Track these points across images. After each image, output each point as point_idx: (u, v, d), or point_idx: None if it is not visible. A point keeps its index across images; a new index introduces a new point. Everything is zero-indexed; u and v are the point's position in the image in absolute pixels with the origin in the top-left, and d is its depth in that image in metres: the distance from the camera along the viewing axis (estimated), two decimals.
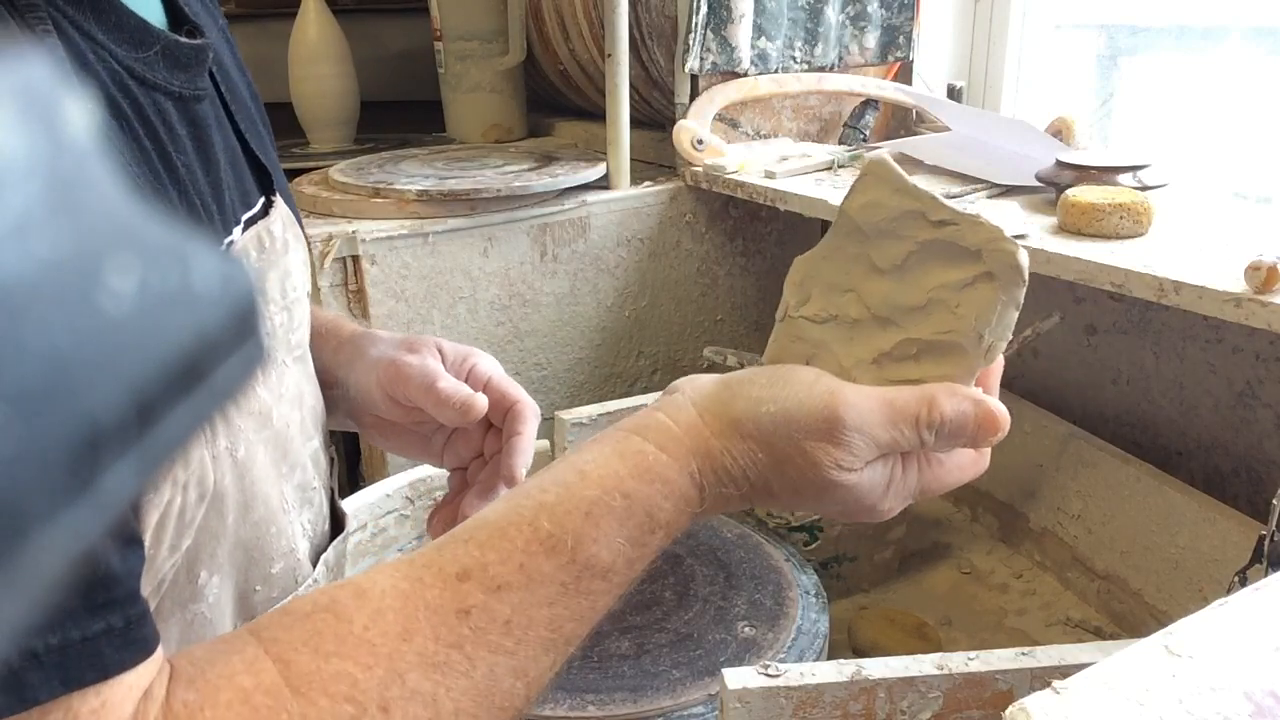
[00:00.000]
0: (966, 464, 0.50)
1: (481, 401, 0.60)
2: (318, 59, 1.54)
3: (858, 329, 0.49)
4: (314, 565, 0.56)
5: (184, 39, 0.49)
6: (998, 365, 0.50)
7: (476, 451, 0.66)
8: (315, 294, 1.10)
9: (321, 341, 0.66)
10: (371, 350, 0.64)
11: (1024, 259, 0.46)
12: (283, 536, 0.53)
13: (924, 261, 0.47)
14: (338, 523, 0.63)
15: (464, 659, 0.38)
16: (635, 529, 0.42)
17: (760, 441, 0.44)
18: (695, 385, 0.49)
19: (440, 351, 0.64)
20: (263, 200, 0.56)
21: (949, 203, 0.48)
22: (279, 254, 0.55)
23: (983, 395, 0.47)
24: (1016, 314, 0.47)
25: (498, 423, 0.64)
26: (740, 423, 0.45)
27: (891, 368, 0.49)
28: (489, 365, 0.65)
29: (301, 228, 0.61)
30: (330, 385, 0.65)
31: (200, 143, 0.49)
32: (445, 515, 0.65)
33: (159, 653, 0.37)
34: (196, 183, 0.48)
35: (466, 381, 0.62)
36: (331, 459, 0.65)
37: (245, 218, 0.53)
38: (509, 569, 0.40)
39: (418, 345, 0.63)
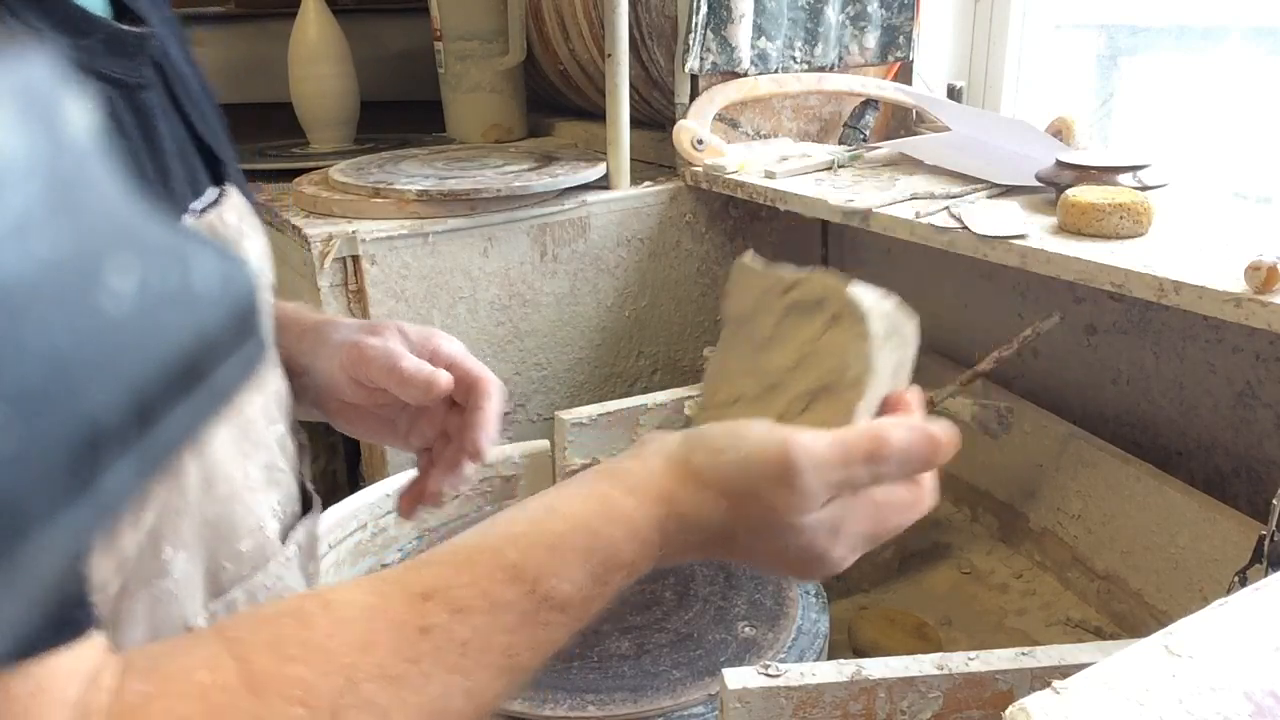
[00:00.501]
0: (908, 502, 0.50)
1: (444, 378, 0.61)
2: (318, 59, 1.54)
3: (757, 401, 0.54)
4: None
5: (126, 26, 0.48)
6: (911, 396, 0.52)
7: (441, 431, 0.66)
8: (314, 294, 1.10)
9: (285, 331, 0.67)
10: (334, 335, 0.64)
11: (856, 294, 0.50)
12: (250, 514, 0.53)
13: (788, 325, 0.53)
14: (310, 511, 0.63)
15: (420, 675, 0.38)
16: (597, 567, 0.43)
17: (721, 489, 0.46)
18: (662, 439, 0.50)
19: (403, 333, 0.64)
20: (216, 189, 0.56)
21: (790, 268, 0.53)
22: (233, 242, 0.56)
23: (919, 420, 0.49)
24: (873, 344, 0.50)
25: (462, 401, 0.65)
26: (702, 472, 0.47)
27: (791, 427, 0.52)
28: (452, 345, 0.65)
29: (260, 218, 0.62)
30: (296, 374, 0.65)
31: (146, 131, 0.49)
32: (413, 494, 0.66)
33: (101, 640, 0.37)
34: (143, 170, 0.48)
35: (430, 361, 0.63)
36: (301, 445, 0.65)
37: (196, 206, 0.53)
38: (472, 593, 0.41)
39: (380, 328, 0.64)
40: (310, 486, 0.63)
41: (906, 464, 0.48)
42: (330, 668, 0.37)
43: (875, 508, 0.49)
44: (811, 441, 0.46)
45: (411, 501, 0.65)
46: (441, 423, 0.66)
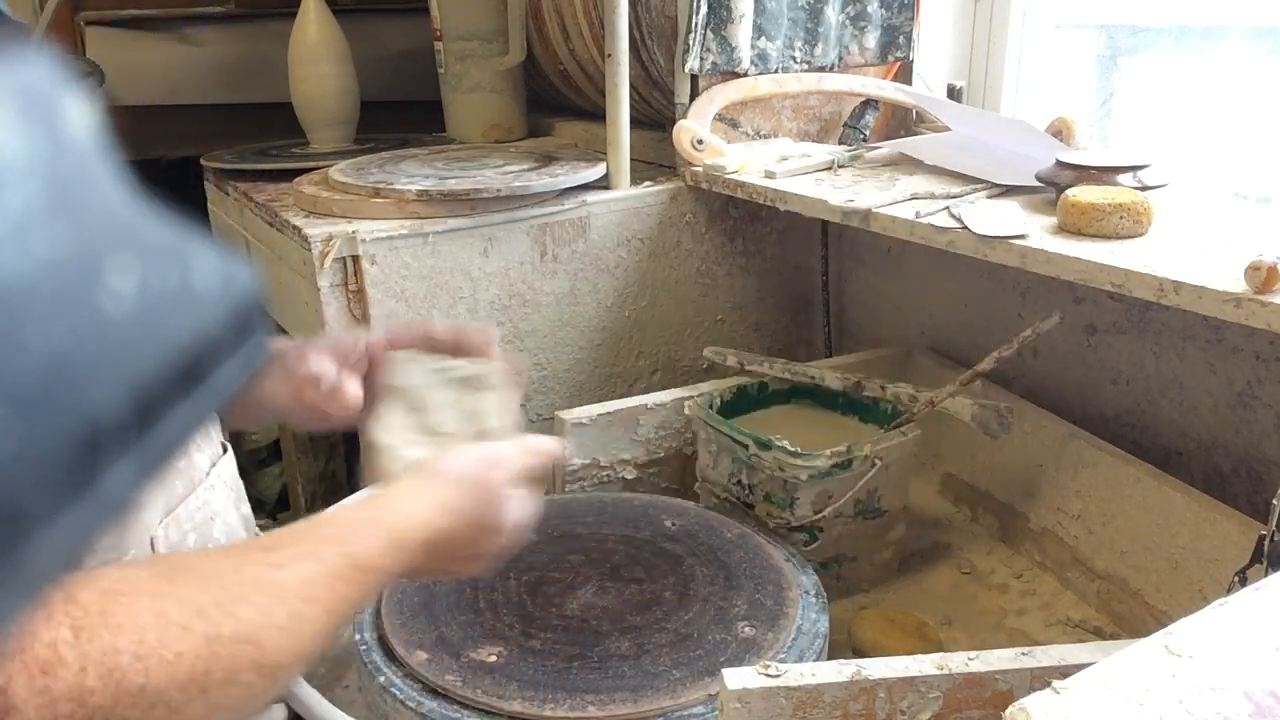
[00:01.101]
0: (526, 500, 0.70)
1: (356, 395, 0.74)
2: (318, 59, 1.54)
3: (427, 441, 0.73)
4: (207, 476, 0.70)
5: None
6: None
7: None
8: (315, 294, 1.10)
9: None
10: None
11: (498, 371, 0.75)
12: None
13: (449, 395, 0.74)
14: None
15: (279, 590, 0.50)
16: (387, 541, 0.57)
17: (458, 479, 0.63)
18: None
19: (333, 350, 0.75)
20: None
21: (449, 359, 0.75)
22: None
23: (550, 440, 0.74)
24: (516, 403, 0.75)
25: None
26: (448, 470, 0.64)
27: None
28: (357, 340, 0.78)
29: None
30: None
31: None
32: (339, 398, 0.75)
33: None
34: None
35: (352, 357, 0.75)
36: None
37: None
38: (303, 550, 0.53)
39: (310, 354, 0.74)
40: (224, 438, 0.74)
41: (543, 457, 0.71)
42: (219, 572, 0.49)
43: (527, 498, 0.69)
44: (504, 446, 0.69)
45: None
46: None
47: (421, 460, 0.69)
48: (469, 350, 0.76)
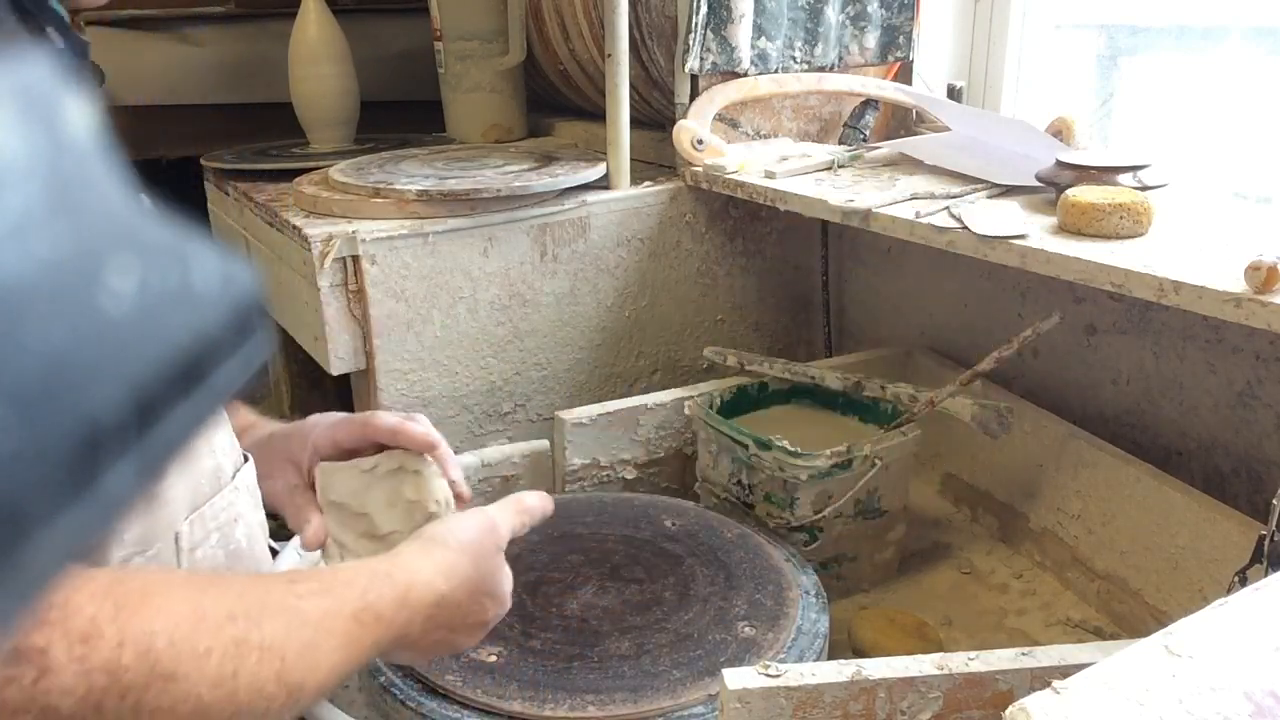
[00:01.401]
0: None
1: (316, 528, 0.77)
2: (318, 59, 1.54)
3: (377, 546, 0.74)
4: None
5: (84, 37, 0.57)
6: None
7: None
8: (315, 294, 1.10)
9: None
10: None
11: (421, 458, 0.75)
12: (205, 440, 0.65)
13: (385, 492, 0.75)
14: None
15: (300, 615, 0.53)
16: (398, 598, 0.60)
17: (459, 549, 0.66)
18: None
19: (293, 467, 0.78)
20: None
21: (371, 458, 0.75)
22: None
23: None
24: (439, 480, 0.75)
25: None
26: (446, 541, 0.66)
27: None
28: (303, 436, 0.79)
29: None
30: None
31: None
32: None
33: None
34: None
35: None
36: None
37: None
38: (321, 585, 0.56)
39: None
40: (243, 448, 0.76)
41: (534, 515, 0.73)
42: (249, 588, 0.52)
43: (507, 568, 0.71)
44: (497, 509, 0.71)
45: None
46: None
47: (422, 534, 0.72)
48: (409, 447, 0.76)
